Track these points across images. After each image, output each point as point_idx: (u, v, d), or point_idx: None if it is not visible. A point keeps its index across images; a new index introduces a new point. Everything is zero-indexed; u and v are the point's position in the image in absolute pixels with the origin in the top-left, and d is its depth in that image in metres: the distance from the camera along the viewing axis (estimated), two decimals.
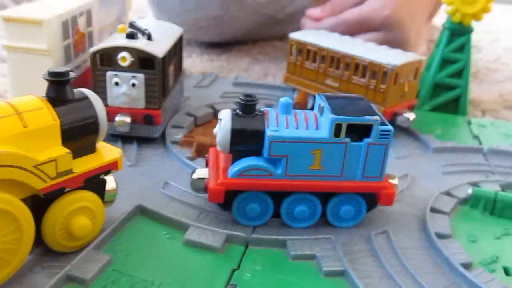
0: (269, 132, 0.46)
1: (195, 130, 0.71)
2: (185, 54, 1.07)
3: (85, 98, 0.43)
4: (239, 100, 0.47)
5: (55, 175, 0.40)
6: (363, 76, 0.70)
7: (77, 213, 0.43)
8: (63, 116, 0.41)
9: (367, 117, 0.46)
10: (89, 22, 0.72)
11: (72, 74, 0.42)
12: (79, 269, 0.41)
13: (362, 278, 0.43)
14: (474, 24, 0.82)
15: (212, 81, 0.89)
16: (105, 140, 0.62)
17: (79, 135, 0.42)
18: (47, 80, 0.41)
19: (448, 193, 0.58)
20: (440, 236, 0.49)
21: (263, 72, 0.99)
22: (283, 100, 0.48)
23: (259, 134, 0.47)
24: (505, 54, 1.29)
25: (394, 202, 0.55)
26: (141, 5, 1.44)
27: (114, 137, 0.64)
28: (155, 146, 0.64)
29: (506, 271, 0.47)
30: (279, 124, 0.47)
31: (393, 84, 0.68)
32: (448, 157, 0.68)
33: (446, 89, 0.84)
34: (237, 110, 0.48)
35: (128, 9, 0.89)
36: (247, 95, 0.47)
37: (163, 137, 0.65)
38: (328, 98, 0.49)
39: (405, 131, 0.74)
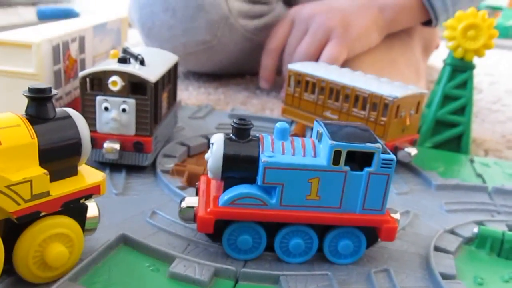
0: (263, 158, 0.43)
1: (187, 160, 0.68)
2: (182, 87, 1.05)
3: (68, 117, 0.41)
4: (232, 124, 0.45)
5: (29, 197, 0.37)
6: (363, 108, 0.68)
7: (53, 240, 0.39)
8: (42, 135, 0.38)
9: (368, 144, 0.43)
10: (81, 49, 0.70)
11: (54, 92, 0.39)
12: None
13: None
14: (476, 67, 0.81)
15: (208, 113, 0.86)
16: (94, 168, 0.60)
17: (59, 156, 0.39)
18: (27, 97, 0.39)
19: (452, 232, 0.54)
20: (445, 276, 0.46)
21: (261, 106, 0.97)
22: (279, 125, 0.46)
23: (253, 160, 0.44)
24: (506, 96, 1.28)
25: (396, 239, 0.52)
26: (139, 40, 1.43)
27: (102, 165, 0.61)
28: (145, 175, 0.61)
29: None
30: (274, 150, 0.44)
31: (394, 117, 0.65)
32: (451, 194, 0.65)
33: (448, 126, 0.82)
34: (230, 135, 0.45)
35: (123, 40, 0.88)
36: (241, 119, 0.45)
37: (153, 166, 0.62)
38: (327, 125, 0.46)
39: (406, 166, 0.71)
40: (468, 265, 0.50)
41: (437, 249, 0.50)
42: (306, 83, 0.74)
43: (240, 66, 1.14)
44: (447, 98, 0.82)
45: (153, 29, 0.99)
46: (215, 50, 1.02)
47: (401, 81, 0.71)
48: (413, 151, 0.67)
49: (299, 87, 0.75)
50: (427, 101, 0.85)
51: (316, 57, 0.95)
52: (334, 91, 0.71)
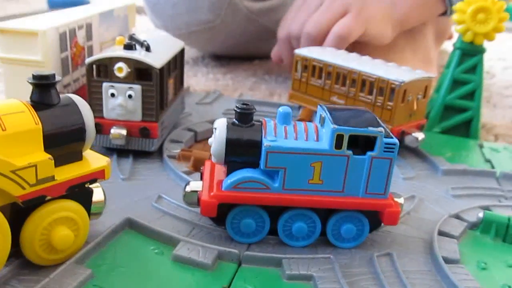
0: (266, 142, 0.43)
1: (194, 145, 0.69)
2: (190, 73, 1.06)
3: (72, 103, 0.41)
4: (235, 109, 0.45)
5: (35, 181, 0.37)
6: (370, 93, 0.67)
7: (58, 223, 0.40)
8: (46, 121, 0.39)
9: (370, 128, 0.43)
10: (89, 36, 0.71)
11: (57, 78, 0.40)
12: (57, 283, 0.38)
13: None
14: (487, 51, 0.80)
15: (215, 99, 0.87)
16: (99, 153, 0.60)
17: (63, 141, 0.40)
18: (31, 83, 0.39)
19: (457, 216, 0.54)
20: (448, 261, 0.46)
21: (269, 91, 0.97)
22: (282, 109, 0.46)
23: (256, 145, 0.44)
24: None
25: (400, 224, 0.52)
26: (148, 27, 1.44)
27: (110, 150, 0.61)
28: (152, 160, 0.61)
29: None
30: (277, 135, 0.45)
31: (401, 101, 0.65)
32: (458, 180, 0.65)
33: (457, 111, 0.81)
34: (233, 120, 0.45)
35: (131, 26, 0.88)
36: (243, 103, 0.45)
37: (160, 151, 0.63)
38: (330, 109, 0.46)
39: (413, 151, 0.71)
40: (472, 250, 0.50)
41: (441, 233, 0.50)
42: (313, 68, 0.74)
43: (244, 49, 1.13)
44: (456, 83, 0.81)
45: (157, 5, 1.00)
46: (218, 30, 1.02)
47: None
48: (420, 136, 0.67)
49: (306, 72, 0.75)
50: (436, 85, 0.85)
51: (327, 30, 0.87)
52: (341, 76, 0.70)
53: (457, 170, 0.66)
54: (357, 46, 0.96)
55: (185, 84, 0.93)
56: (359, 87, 0.68)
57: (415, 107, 0.67)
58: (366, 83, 0.68)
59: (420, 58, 1.04)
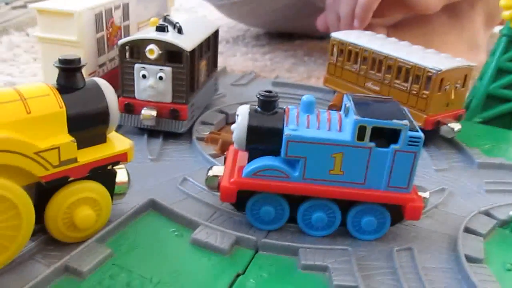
0: (286, 131, 0.43)
1: (225, 128, 0.69)
2: (229, 52, 1.06)
3: (96, 86, 0.42)
4: (258, 96, 0.45)
5: (58, 163, 0.39)
6: (406, 80, 0.65)
7: (81, 204, 0.41)
8: (70, 104, 0.40)
9: (394, 121, 0.42)
10: (125, 16, 0.72)
11: (83, 62, 0.41)
12: (78, 261, 0.40)
13: None
14: None
15: (251, 80, 0.86)
16: (132, 133, 0.62)
17: (86, 124, 0.41)
18: (57, 67, 0.40)
19: (487, 213, 0.52)
20: (471, 259, 0.44)
21: (306, 74, 0.96)
22: (305, 98, 0.45)
23: (277, 133, 0.44)
24: None
25: (425, 218, 0.51)
26: (192, 4, 1.44)
27: (141, 130, 0.63)
28: (181, 141, 0.62)
29: None
30: (299, 123, 0.44)
31: (437, 90, 0.63)
32: (494, 174, 0.62)
33: (500, 101, 0.78)
34: (256, 107, 0.45)
35: (170, 5, 0.88)
36: (266, 91, 0.45)
37: (190, 132, 0.63)
38: (355, 99, 0.45)
39: (449, 142, 0.68)
40: (499, 249, 0.48)
41: (467, 230, 0.49)
42: (348, 52, 0.73)
43: (286, 25, 1.12)
44: (500, 72, 0.77)
45: None
46: (260, 2, 1.01)
47: (450, 54, 0.68)
48: (456, 126, 0.65)
49: (341, 57, 0.74)
50: (480, 72, 0.81)
51: None
52: (377, 62, 0.69)
53: (494, 163, 0.64)
54: (399, 25, 0.93)
55: (223, 64, 0.93)
56: (394, 74, 0.67)
57: (452, 96, 0.65)
58: (402, 70, 0.66)
59: (466, 42, 1.00)
